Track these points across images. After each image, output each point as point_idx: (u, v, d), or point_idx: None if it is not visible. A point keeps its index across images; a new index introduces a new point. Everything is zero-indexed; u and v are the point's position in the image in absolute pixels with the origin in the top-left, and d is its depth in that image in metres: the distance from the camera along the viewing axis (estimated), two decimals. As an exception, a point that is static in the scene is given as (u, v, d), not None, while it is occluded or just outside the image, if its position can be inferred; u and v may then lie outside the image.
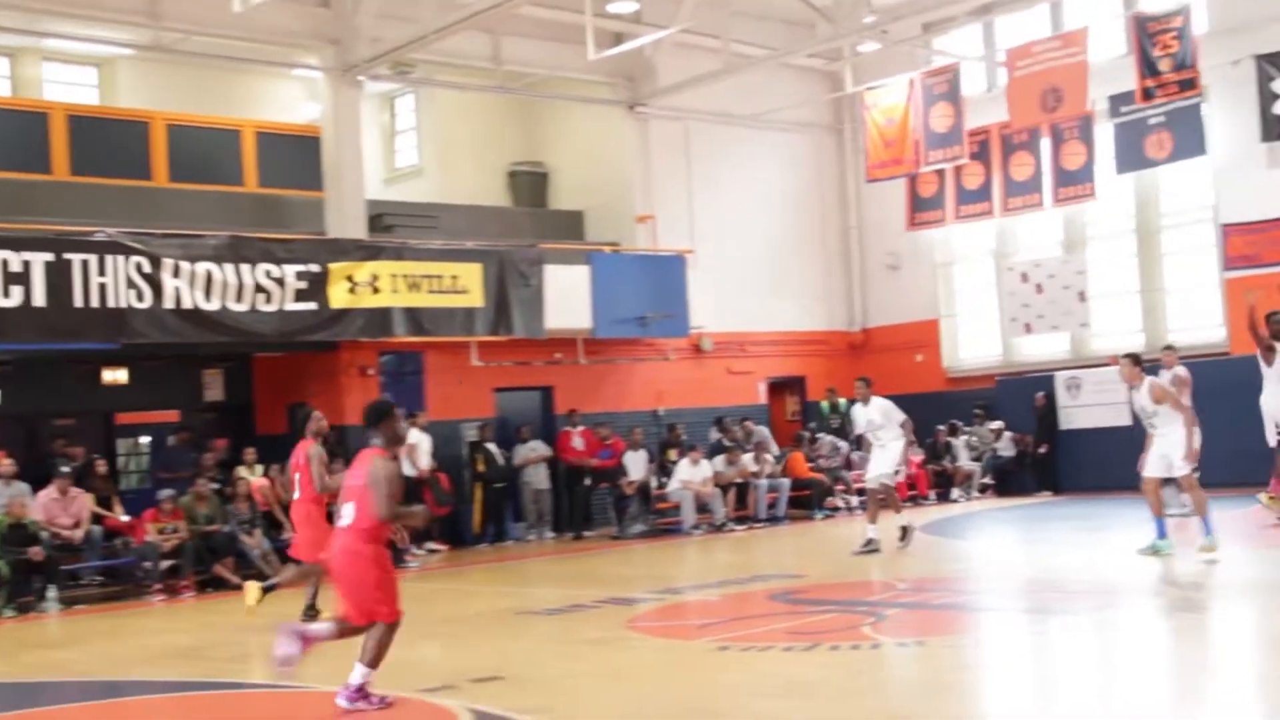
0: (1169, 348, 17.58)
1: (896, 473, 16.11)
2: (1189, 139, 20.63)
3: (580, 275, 20.70)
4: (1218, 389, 19.90)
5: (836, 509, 21.44)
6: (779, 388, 25.05)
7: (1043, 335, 23.05)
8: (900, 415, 15.70)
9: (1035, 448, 22.60)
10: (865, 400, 15.88)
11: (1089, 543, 15.39)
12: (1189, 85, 18.90)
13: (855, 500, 21.06)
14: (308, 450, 11.75)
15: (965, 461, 22.75)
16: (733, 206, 24.18)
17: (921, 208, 24.10)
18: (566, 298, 20.30)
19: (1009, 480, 22.74)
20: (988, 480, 22.87)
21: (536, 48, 21.77)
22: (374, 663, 7.58)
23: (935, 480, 22.54)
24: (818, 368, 25.14)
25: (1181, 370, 16.33)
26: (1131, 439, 20.73)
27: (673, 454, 20.99)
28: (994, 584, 12.69)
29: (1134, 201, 22.69)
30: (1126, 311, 22.82)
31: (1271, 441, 14.84)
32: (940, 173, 23.19)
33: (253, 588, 11.90)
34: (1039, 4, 22.28)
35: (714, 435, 22.06)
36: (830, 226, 26.12)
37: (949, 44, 23.86)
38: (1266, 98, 20.10)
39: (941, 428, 22.98)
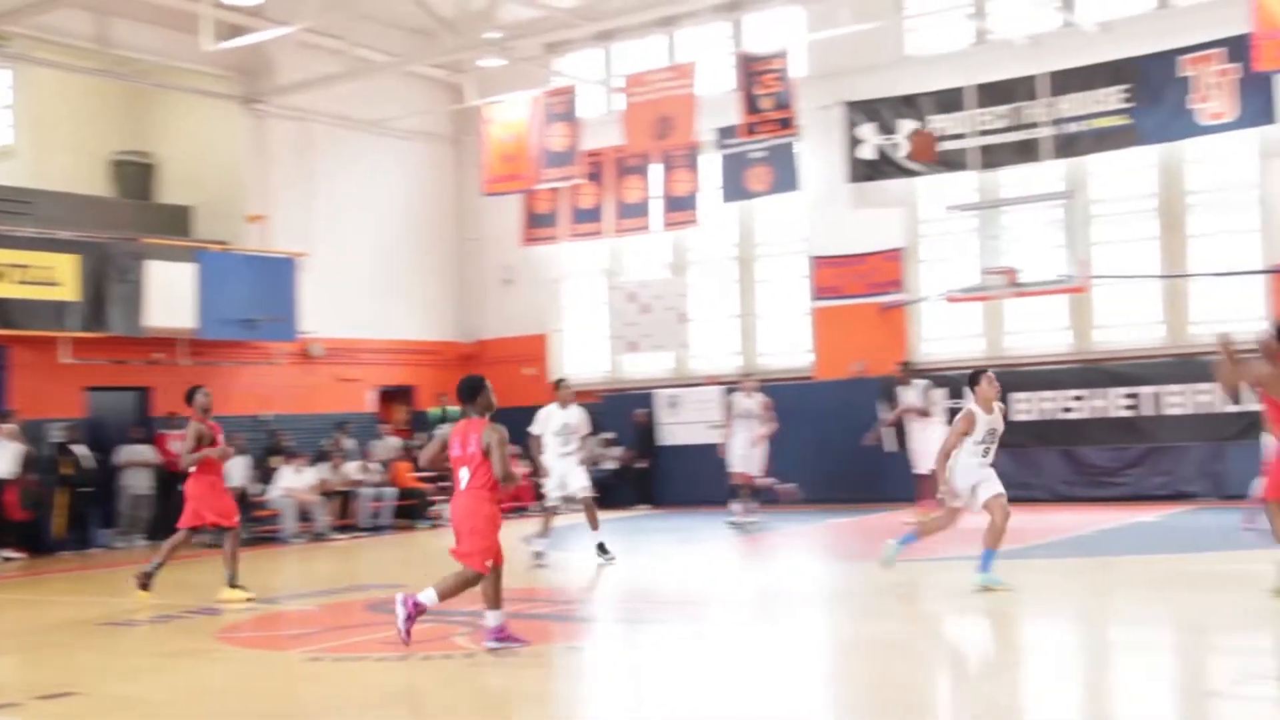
0: (748, 375, 18.77)
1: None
2: (785, 174, 22.01)
3: (186, 273, 19.96)
4: (806, 412, 21.36)
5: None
6: (389, 396, 24.90)
7: (647, 354, 23.92)
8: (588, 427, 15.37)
9: (635, 462, 23.41)
10: (566, 404, 14.93)
11: (681, 554, 16.09)
12: (787, 124, 20.18)
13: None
14: (191, 425, 12.45)
15: (570, 474, 23.26)
16: (350, 211, 23.90)
17: (536, 224, 24.59)
18: (170, 295, 19.53)
19: (610, 493, 23.42)
20: (593, 492, 23.45)
21: (148, 33, 20.86)
22: (497, 603, 8.88)
23: (538, 491, 22.90)
24: (428, 378, 25.15)
25: (761, 395, 17.70)
26: (719, 456, 21.88)
27: (276, 460, 20.49)
28: (590, 594, 13.07)
29: (735, 230, 23.92)
30: (725, 334, 24.01)
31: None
32: (555, 191, 23.75)
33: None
34: (655, 34, 23.23)
35: (348, 443, 21.71)
36: (447, 237, 26.23)
37: (569, 65, 24.47)
38: (853, 141, 21.69)
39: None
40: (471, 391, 9.22)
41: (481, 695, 7.97)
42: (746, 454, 17.73)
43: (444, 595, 8.91)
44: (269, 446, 21.12)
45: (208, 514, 12.58)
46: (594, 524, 14.57)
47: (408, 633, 8.90)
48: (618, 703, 7.92)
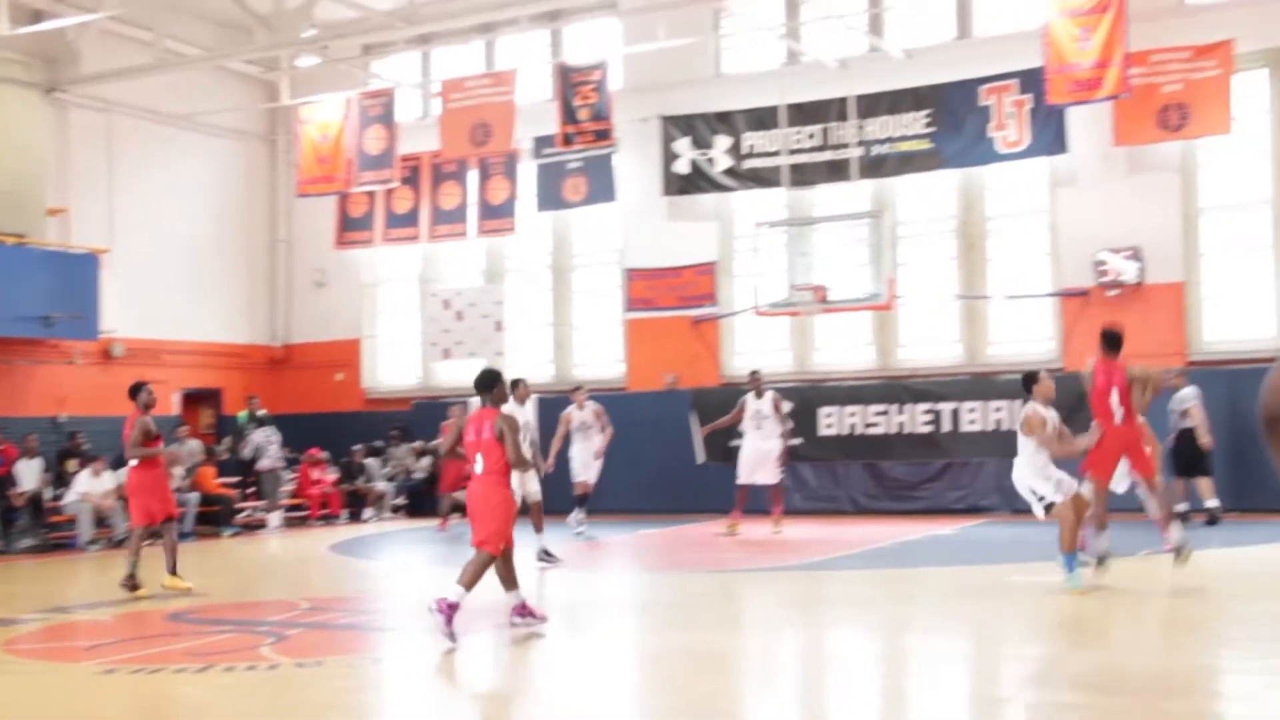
0: (578, 388, 18.82)
1: None
2: (601, 185, 22.19)
3: (-23, 267, 19.16)
4: (618, 423, 21.53)
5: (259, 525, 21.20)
6: (194, 399, 24.24)
7: (460, 361, 23.72)
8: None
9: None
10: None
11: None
12: (604, 135, 20.32)
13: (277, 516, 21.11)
14: (136, 421, 13.04)
15: (379, 482, 23.03)
16: (157, 207, 23.22)
17: (351, 227, 24.26)
18: (-41, 290, 18.70)
19: (421, 502, 23.24)
20: (400, 501, 23.28)
21: (-62, 15, 19.92)
22: (514, 584, 9.79)
23: (348, 500, 22.65)
24: (236, 381, 24.59)
25: (594, 404, 17.87)
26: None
27: (72, 464, 19.76)
28: (398, 604, 12.96)
29: (551, 239, 23.98)
30: (539, 343, 24.04)
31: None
32: (371, 194, 23.49)
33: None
34: (474, 41, 23.17)
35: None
36: (258, 238, 25.69)
37: (387, 68, 24.22)
38: (669, 155, 21.99)
39: (357, 448, 23.16)
40: (489, 382, 10.03)
41: (281, 708, 7.85)
42: (588, 464, 17.87)
43: (469, 584, 9.45)
44: (65, 449, 20.37)
45: (156, 510, 13.15)
46: (539, 527, 14.55)
47: (452, 634, 9.25)
48: (417, 714, 7.88)
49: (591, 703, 7.85)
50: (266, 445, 21.67)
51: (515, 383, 14.77)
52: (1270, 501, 17.81)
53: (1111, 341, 12.08)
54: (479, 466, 9.70)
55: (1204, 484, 17.27)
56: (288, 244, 25.93)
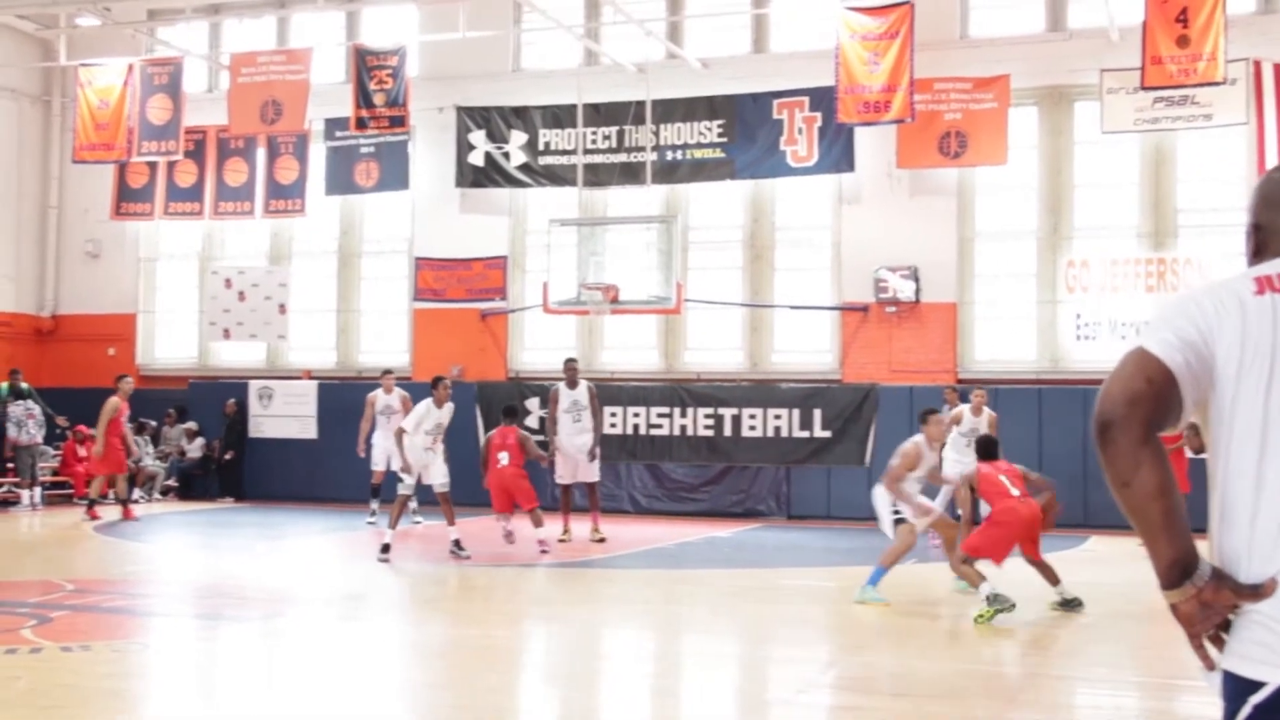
0: (387, 372, 18.63)
1: None
2: (394, 172, 21.94)
3: None
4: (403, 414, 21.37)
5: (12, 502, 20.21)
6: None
7: (241, 342, 23.12)
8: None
9: (222, 453, 22.62)
10: (573, 383, 16.68)
11: (267, 550, 15.73)
12: (399, 122, 20.07)
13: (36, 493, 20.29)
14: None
15: (150, 462, 22.23)
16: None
17: (129, 198, 23.37)
18: None
19: (193, 484, 22.56)
20: (171, 483, 22.55)
21: None
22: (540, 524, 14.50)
23: (112, 480, 21.76)
24: (-1, 351, 23.40)
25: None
26: (313, 451, 21.66)
27: None
28: (169, 588, 12.60)
29: (339, 224, 23.54)
30: (323, 328, 23.59)
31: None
32: (152, 165, 22.69)
33: None
34: (266, 15, 22.59)
35: None
36: (28, 202, 24.49)
37: (174, 36, 23.39)
38: (464, 146, 21.86)
39: (95, 430, 22.27)
40: (513, 412, 15.64)
41: (46, 693, 7.55)
42: (391, 451, 17.46)
43: (537, 524, 14.45)
44: None
45: None
46: (450, 519, 14.26)
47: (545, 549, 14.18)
48: (184, 701, 7.69)
49: (370, 695, 7.79)
50: (25, 419, 20.69)
51: (436, 381, 14.62)
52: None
53: (988, 449, 11.48)
54: (504, 461, 14.52)
55: None
56: (59, 210, 24.80)
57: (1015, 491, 10.82)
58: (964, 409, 16.52)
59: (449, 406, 14.61)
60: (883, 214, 20.22)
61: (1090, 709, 7.63)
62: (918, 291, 19.89)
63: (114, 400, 18.57)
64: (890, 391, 19.68)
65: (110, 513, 18.69)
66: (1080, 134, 19.76)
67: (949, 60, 19.42)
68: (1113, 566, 14.33)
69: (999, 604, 10.03)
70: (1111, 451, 2.55)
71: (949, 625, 10.60)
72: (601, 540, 16.06)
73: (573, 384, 16.80)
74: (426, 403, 14.41)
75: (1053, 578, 10.83)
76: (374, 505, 17.90)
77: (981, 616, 10.04)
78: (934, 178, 20.02)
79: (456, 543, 14.10)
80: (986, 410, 16.41)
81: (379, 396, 18.19)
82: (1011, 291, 20.15)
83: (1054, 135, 19.87)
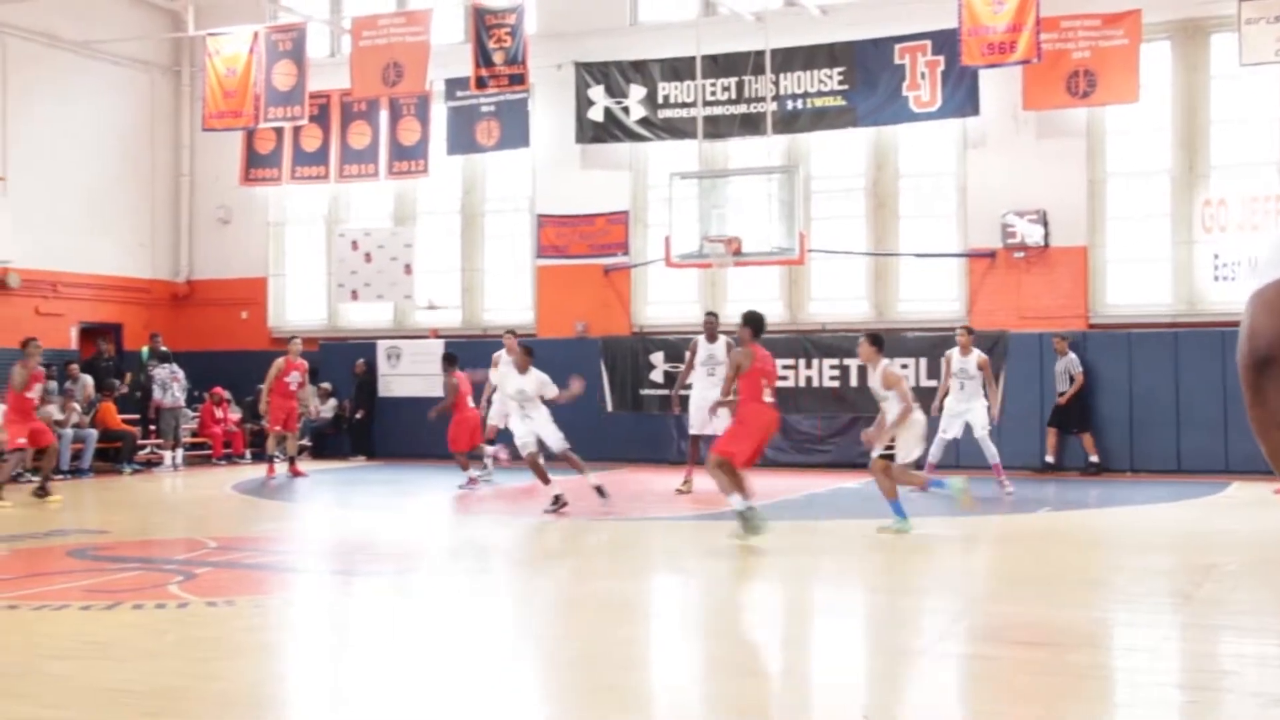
0: (510, 331, 18.75)
1: None
2: (515, 130, 22.02)
3: None
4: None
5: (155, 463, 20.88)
6: (93, 333, 23.70)
7: (368, 303, 23.51)
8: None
9: (353, 413, 23.06)
10: (712, 338, 16.40)
11: (398, 507, 16.01)
12: (518, 80, 20.14)
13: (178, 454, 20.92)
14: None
15: (283, 422, 22.71)
16: (55, 136, 22.56)
17: (257, 164, 23.83)
18: None
19: (326, 443, 23.04)
20: (305, 442, 23.03)
21: None
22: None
23: (251, 439, 22.38)
24: (137, 316, 24.09)
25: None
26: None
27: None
28: (306, 545, 12.90)
29: (461, 183, 23.75)
30: (448, 287, 23.85)
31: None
32: (279, 131, 23.09)
33: None
34: (387, -22, 22.76)
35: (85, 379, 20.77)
36: (161, 171, 25.11)
37: (296, 2, 23.72)
38: (583, 103, 21.86)
39: (262, 387, 22.83)
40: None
41: (194, 646, 7.78)
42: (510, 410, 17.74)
43: (579, 468, 14.23)
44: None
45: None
46: (580, 469, 14.66)
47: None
48: (323, 656, 7.87)
49: (501, 647, 7.89)
50: (170, 381, 21.31)
51: (524, 348, 14.88)
52: (1159, 463, 18.40)
53: (756, 325, 12.03)
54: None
55: (1088, 440, 18.74)
56: (191, 178, 25.39)
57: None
58: (952, 351, 16.44)
59: (533, 373, 14.51)
60: (1009, 157, 19.80)
61: (1235, 657, 7.43)
62: (1046, 236, 19.46)
63: (278, 361, 19.47)
64: (1020, 338, 19.33)
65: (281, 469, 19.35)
66: (1216, 68, 19.09)
67: (1075, -3, 18.87)
68: (1255, 511, 13.93)
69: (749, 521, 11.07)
70: (1272, 389, 2.39)
71: (1083, 574, 10.39)
72: (686, 492, 16.25)
73: (711, 338, 16.63)
74: (505, 365, 15.02)
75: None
76: (487, 459, 18.01)
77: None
78: (1062, 118, 19.53)
79: (599, 489, 14.33)
80: (976, 351, 16.35)
81: (501, 356, 18.33)
82: (1145, 233, 19.61)
83: (1189, 70, 19.22)
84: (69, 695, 6.47)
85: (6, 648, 7.62)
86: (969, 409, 16.02)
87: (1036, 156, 19.69)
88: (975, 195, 20.12)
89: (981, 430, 15.92)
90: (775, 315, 21.55)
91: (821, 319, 21.25)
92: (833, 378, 20.26)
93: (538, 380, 14.49)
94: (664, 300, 22.01)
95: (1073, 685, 6.64)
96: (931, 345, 19.78)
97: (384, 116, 22.88)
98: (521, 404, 14.48)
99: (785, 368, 20.50)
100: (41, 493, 15.76)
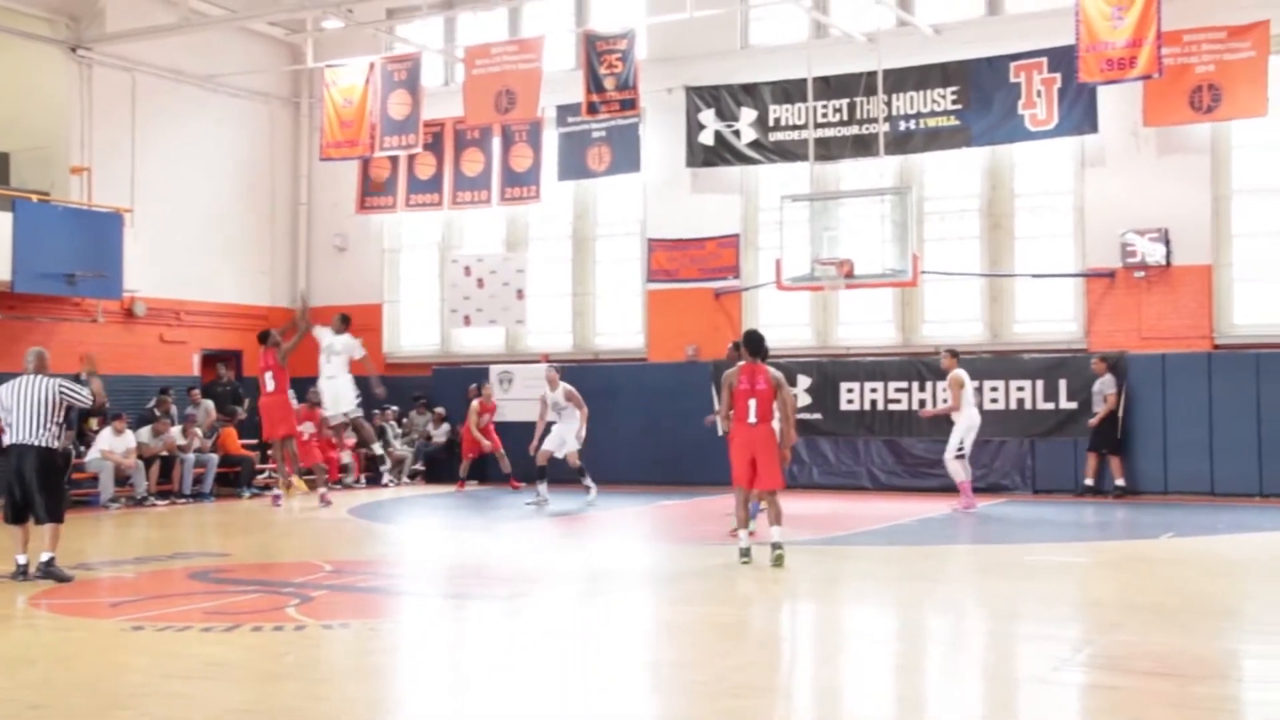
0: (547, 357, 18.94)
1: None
2: (626, 155, 22.11)
3: (1, 222, 19.14)
4: (638, 393, 21.68)
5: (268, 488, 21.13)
6: (214, 360, 24.21)
7: (481, 328, 23.74)
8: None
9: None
10: (554, 386, 18.44)
11: (510, 531, 16.08)
12: (629, 105, 20.24)
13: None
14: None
15: (398, 447, 23.04)
16: (179, 168, 23.18)
17: (372, 192, 24.25)
18: (-19, 245, 18.70)
19: (440, 468, 23.24)
20: (419, 466, 23.29)
21: (-34, -30, 19.91)
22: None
23: (367, 464, 22.67)
24: (256, 343, 24.47)
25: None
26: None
27: (94, 422, 19.79)
28: (419, 569, 13.00)
29: (572, 208, 23.90)
30: (559, 312, 23.99)
31: None
32: (394, 159, 23.48)
33: None
34: (499, 7, 23.05)
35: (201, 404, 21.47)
36: (280, 200, 25.65)
37: (411, 33, 24.12)
38: (694, 126, 21.89)
39: (378, 412, 23.16)
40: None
41: (306, 667, 7.87)
42: (566, 437, 18.67)
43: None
44: (87, 407, 20.31)
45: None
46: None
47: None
48: (440, 679, 7.89)
49: (616, 673, 7.85)
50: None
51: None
52: (1271, 486, 17.94)
53: (754, 345, 12.10)
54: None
55: (1115, 463, 18.88)
56: (309, 207, 25.89)
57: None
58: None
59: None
60: (1128, 175, 19.41)
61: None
62: (1168, 254, 19.02)
63: (474, 404, 21.75)
64: (1141, 360, 18.89)
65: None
66: (1350, 79, 18.53)
67: (1198, 9, 18.46)
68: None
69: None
70: None
71: (1211, 602, 10.06)
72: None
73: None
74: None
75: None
76: (541, 486, 18.37)
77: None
78: (1184, 134, 19.09)
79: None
80: (956, 371, 17.17)
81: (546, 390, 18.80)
82: (1273, 251, 19.04)
83: (1319, 82, 18.66)
84: (191, 715, 6.58)
85: (132, 668, 7.78)
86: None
87: (1157, 174, 19.26)
88: (1093, 214, 19.74)
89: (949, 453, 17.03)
90: (888, 338, 21.38)
91: (935, 341, 20.95)
92: (946, 400, 19.93)
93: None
94: (775, 323, 21.84)
95: (1200, 719, 6.42)
96: (1048, 367, 19.45)
97: (496, 143, 23.14)
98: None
99: (898, 390, 20.30)
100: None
